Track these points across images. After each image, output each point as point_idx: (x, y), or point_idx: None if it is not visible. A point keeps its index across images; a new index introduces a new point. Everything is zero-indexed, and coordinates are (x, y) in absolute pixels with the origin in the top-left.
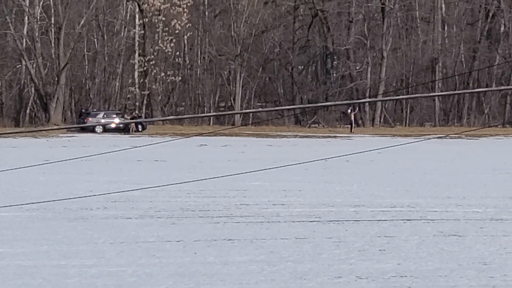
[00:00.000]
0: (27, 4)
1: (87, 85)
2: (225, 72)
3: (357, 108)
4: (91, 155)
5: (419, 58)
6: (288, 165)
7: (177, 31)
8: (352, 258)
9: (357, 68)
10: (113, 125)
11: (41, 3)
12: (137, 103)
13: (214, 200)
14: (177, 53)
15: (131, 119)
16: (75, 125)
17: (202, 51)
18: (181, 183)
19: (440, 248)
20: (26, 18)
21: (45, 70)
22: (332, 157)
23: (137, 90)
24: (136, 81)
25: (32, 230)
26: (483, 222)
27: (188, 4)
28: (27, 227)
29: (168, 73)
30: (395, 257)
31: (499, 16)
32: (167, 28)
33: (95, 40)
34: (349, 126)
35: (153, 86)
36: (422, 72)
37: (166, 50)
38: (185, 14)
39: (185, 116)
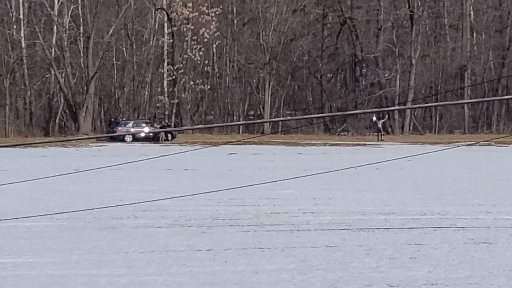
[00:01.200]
0: (56, 14)
1: (116, 94)
2: (254, 81)
3: (387, 115)
4: (121, 164)
5: (447, 65)
6: (318, 173)
7: (205, 40)
8: (382, 266)
9: (386, 75)
10: (142, 134)
11: (69, 12)
12: (166, 112)
13: (244, 208)
14: (206, 61)
15: (160, 128)
16: (105, 134)
17: (231, 59)
18: (211, 192)
19: (471, 256)
20: (55, 27)
21: (74, 79)
22: (362, 165)
23: (166, 99)
24: (165, 90)
25: (62, 240)
26: None
27: (217, 13)
28: (57, 236)
29: (197, 81)
30: (426, 265)
31: None
32: (195, 37)
33: (124, 49)
34: (377, 134)
35: (182, 95)
36: (451, 79)
37: (195, 59)
38: (213, 23)
39: (215, 125)
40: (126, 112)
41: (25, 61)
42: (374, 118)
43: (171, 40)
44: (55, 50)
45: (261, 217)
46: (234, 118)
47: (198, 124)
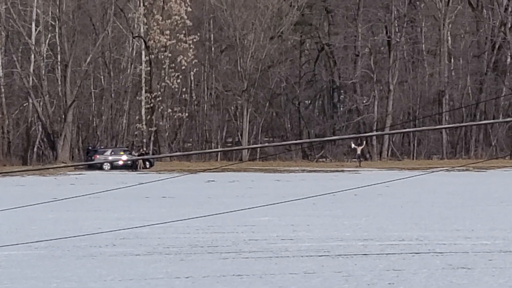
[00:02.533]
0: (33, 42)
1: (94, 122)
2: (232, 108)
3: (364, 142)
4: (99, 192)
5: (425, 91)
6: (297, 199)
7: (183, 67)
8: None
9: (364, 101)
10: (120, 162)
11: (47, 41)
12: (144, 140)
13: (222, 235)
14: (184, 89)
15: (138, 155)
16: (83, 163)
17: (208, 86)
18: (189, 219)
19: (449, 281)
20: (33, 56)
21: (52, 108)
22: (340, 191)
23: (144, 126)
24: (143, 117)
25: (41, 268)
26: (491, 255)
27: (194, 40)
28: (36, 265)
29: (175, 109)
30: None
31: (505, 48)
32: (173, 65)
33: (102, 77)
34: (357, 160)
35: (160, 123)
36: (429, 104)
37: (173, 86)
38: (191, 50)
39: (193, 152)
40: (104, 140)
41: (2, 90)
42: (353, 145)
43: (148, 68)
44: (32, 79)
45: (240, 244)
46: (212, 145)
47: (176, 152)
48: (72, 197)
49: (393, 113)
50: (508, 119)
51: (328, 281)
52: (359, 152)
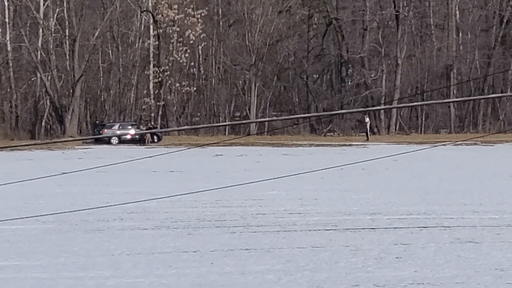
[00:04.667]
0: (41, 17)
1: (102, 96)
2: (240, 82)
3: (372, 115)
4: (107, 165)
5: (433, 65)
6: (304, 172)
7: (191, 42)
8: (369, 266)
9: (372, 76)
10: (128, 136)
11: (55, 15)
12: (152, 114)
13: (230, 210)
14: (192, 63)
15: (146, 130)
16: (91, 137)
17: (216, 61)
18: (197, 192)
19: (457, 255)
20: (41, 30)
21: (60, 82)
22: (348, 164)
23: (152, 101)
24: (151, 92)
25: (48, 242)
26: (499, 229)
27: (202, 15)
28: (43, 239)
29: (183, 83)
30: (412, 265)
31: None
32: (181, 39)
33: (110, 51)
34: (365, 134)
35: (168, 97)
36: (437, 79)
37: (181, 61)
38: (199, 25)
39: (201, 126)
40: (112, 115)
41: (11, 64)
42: (367, 119)
43: (156, 42)
44: (41, 53)
45: (248, 218)
46: (220, 120)
47: (184, 126)
48: (80, 171)
49: (401, 87)
50: None
51: (336, 255)
52: (368, 126)
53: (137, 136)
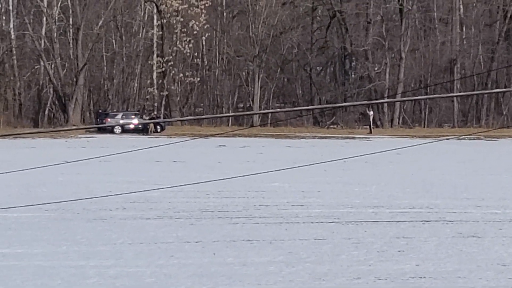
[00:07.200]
0: (45, 5)
1: (106, 86)
2: (244, 73)
3: (375, 109)
4: (110, 155)
5: (437, 59)
6: (307, 165)
7: (195, 32)
8: (371, 259)
9: (376, 69)
10: (131, 126)
11: (59, 4)
12: (155, 104)
13: (233, 201)
14: (196, 54)
15: (149, 119)
16: (94, 126)
17: (220, 52)
18: (200, 183)
19: (459, 249)
20: (44, 19)
21: (64, 71)
22: (351, 157)
23: (156, 91)
24: (155, 82)
25: (51, 231)
26: (502, 223)
27: (206, 5)
28: (46, 227)
29: (187, 74)
30: (414, 258)
31: None
32: (185, 29)
33: (114, 41)
34: (368, 127)
35: (172, 87)
36: (441, 73)
37: (185, 51)
38: (203, 15)
39: (204, 116)
40: (115, 104)
41: (14, 52)
42: (371, 112)
43: (160, 32)
44: (44, 42)
45: (250, 209)
46: (223, 110)
47: (187, 116)
48: (83, 160)
49: (405, 80)
50: None
51: (338, 247)
52: (371, 119)
53: (140, 126)
